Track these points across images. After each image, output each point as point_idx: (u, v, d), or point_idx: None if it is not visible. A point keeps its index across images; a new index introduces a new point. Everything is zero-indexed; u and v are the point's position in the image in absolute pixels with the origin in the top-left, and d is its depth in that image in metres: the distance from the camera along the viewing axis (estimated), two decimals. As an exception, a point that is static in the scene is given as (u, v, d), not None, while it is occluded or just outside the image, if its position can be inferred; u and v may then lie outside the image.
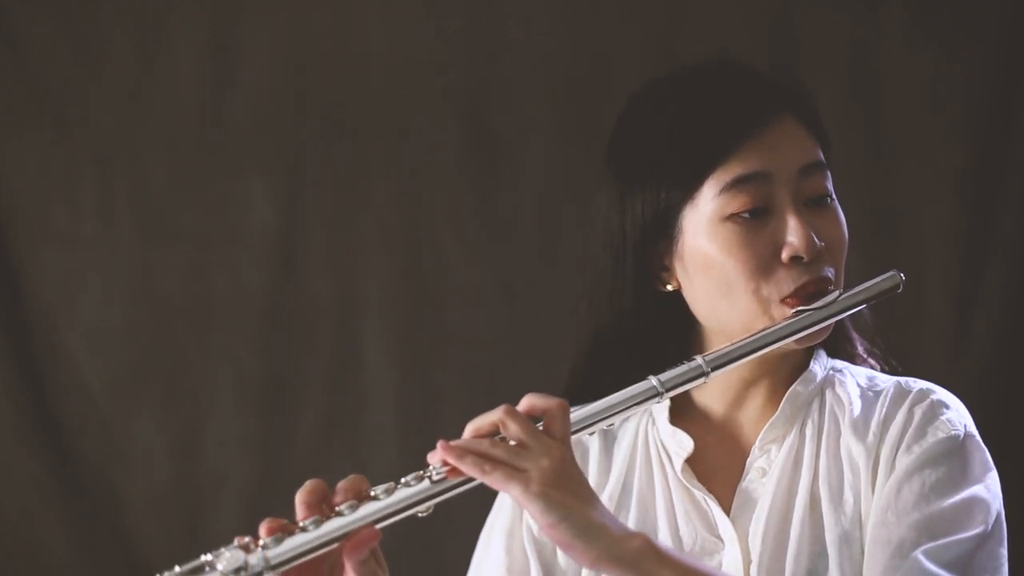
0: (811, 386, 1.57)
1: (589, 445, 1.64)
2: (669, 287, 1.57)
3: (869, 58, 2.69)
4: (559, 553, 1.60)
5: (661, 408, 1.61)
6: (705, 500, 1.55)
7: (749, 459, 1.56)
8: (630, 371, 1.53)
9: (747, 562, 1.51)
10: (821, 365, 1.59)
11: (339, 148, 2.74)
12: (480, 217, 2.73)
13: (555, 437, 1.37)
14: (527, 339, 2.71)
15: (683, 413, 1.60)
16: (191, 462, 2.73)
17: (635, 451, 1.61)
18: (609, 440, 1.64)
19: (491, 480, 1.34)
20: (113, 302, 2.73)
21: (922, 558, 1.40)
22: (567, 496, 1.34)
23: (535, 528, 1.61)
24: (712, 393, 1.60)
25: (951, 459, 1.48)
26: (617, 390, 1.59)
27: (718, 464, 1.57)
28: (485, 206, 2.73)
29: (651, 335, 1.58)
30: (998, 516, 1.47)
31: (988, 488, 1.48)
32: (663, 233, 1.54)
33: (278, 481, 2.72)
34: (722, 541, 1.53)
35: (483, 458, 1.35)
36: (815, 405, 1.57)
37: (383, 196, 2.74)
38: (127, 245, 2.72)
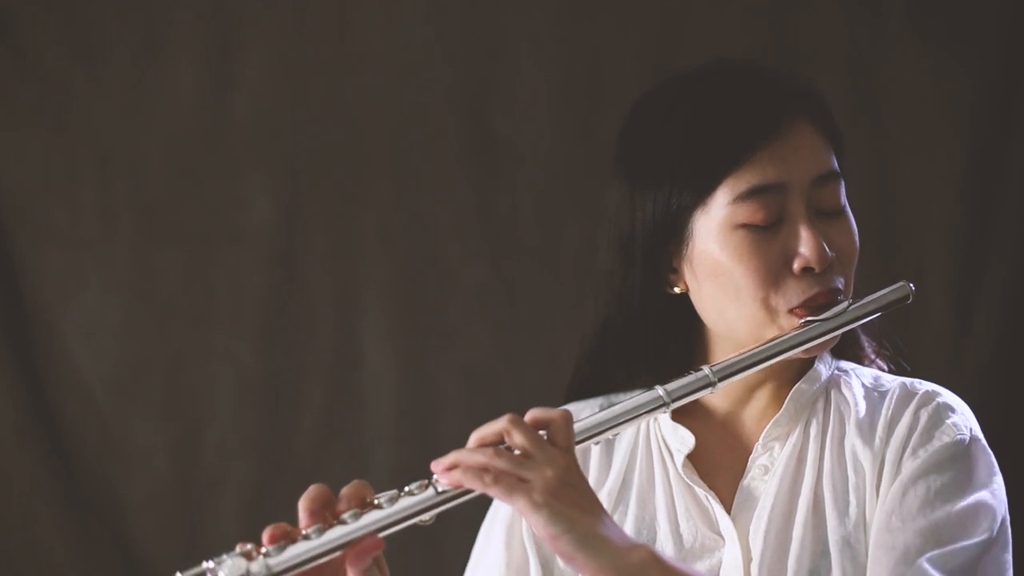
0: (815, 385, 1.57)
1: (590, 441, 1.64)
2: (676, 289, 1.56)
3: (869, 58, 2.69)
4: (559, 550, 1.60)
5: (664, 404, 1.61)
6: (706, 497, 1.55)
7: (751, 456, 1.56)
8: (635, 370, 1.53)
9: (747, 560, 1.51)
10: (826, 364, 1.59)
11: (339, 148, 2.74)
12: (480, 217, 2.73)
13: (559, 447, 1.37)
14: (527, 339, 2.71)
15: (685, 409, 1.59)
16: (191, 462, 2.73)
17: (636, 447, 1.61)
18: (610, 435, 1.64)
19: (494, 492, 1.34)
20: (113, 302, 2.73)
21: (927, 565, 1.40)
22: (571, 508, 1.33)
23: (534, 524, 1.61)
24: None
25: (957, 464, 1.48)
26: (622, 389, 1.59)
27: (719, 461, 1.57)
28: (485, 206, 2.73)
29: (657, 336, 1.58)
30: (1003, 521, 1.47)
31: (993, 493, 1.47)
32: (673, 236, 1.53)
33: (278, 481, 2.72)
34: (722, 538, 1.53)
35: (485, 469, 1.34)
36: (820, 404, 1.57)
37: (383, 196, 2.74)
38: (127, 245, 2.72)
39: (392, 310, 2.74)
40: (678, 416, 1.59)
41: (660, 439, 1.60)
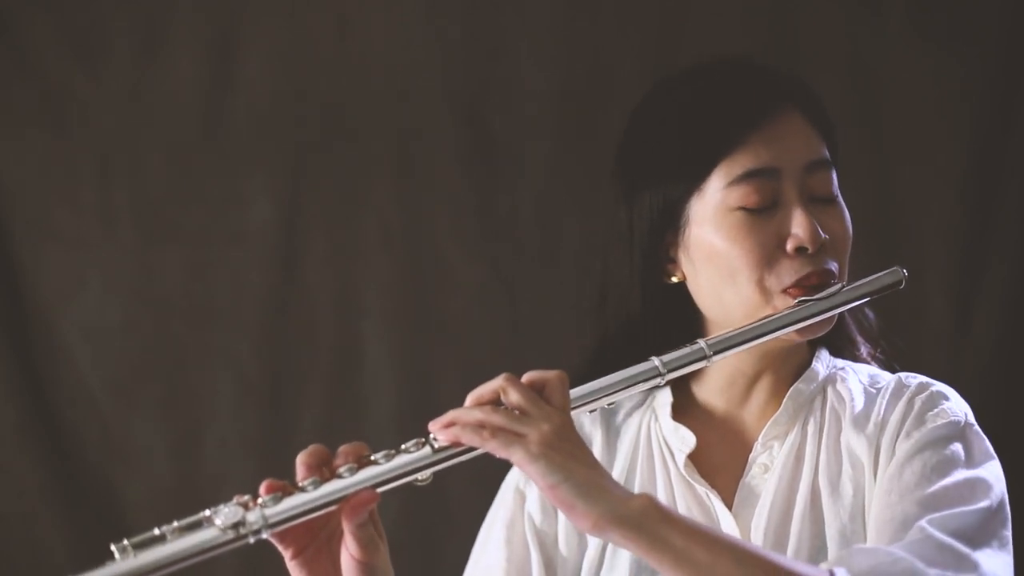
0: (813, 384, 1.58)
1: (593, 439, 1.65)
2: (674, 279, 1.58)
3: (869, 58, 2.69)
4: (560, 543, 1.61)
5: (664, 404, 1.62)
6: (707, 495, 1.56)
7: (751, 455, 1.57)
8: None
9: (748, 557, 1.51)
10: (824, 364, 1.60)
11: (339, 148, 2.74)
12: (480, 217, 2.73)
13: (554, 405, 1.38)
14: (527, 339, 2.71)
15: (685, 409, 1.61)
16: (191, 462, 2.73)
17: (638, 446, 1.62)
18: (612, 435, 1.65)
19: (491, 447, 1.35)
20: (113, 302, 2.73)
21: (927, 526, 1.39)
22: (568, 458, 1.33)
23: (537, 519, 1.62)
24: (714, 389, 1.61)
25: (951, 442, 1.48)
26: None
27: (720, 460, 1.58)
28: (485, 206, 2.73)
29: (657, 331, 1.59)
30: (1002, 498, 1.46)
31: (990, 472, 1.47)
32: (670, 224, 1.56)
33: (278, 481, 2.71)
34: (724, 536, 1.54)
35: (482, 425, 1.35)
36: (817, 403, 1.58)
37: (383, 196, 2.74)
38: (127, 245, 2.72)
39: (392, 310, 2.74)
40: (679, 416, 1.61)
41: (661, 439, 1.61)
